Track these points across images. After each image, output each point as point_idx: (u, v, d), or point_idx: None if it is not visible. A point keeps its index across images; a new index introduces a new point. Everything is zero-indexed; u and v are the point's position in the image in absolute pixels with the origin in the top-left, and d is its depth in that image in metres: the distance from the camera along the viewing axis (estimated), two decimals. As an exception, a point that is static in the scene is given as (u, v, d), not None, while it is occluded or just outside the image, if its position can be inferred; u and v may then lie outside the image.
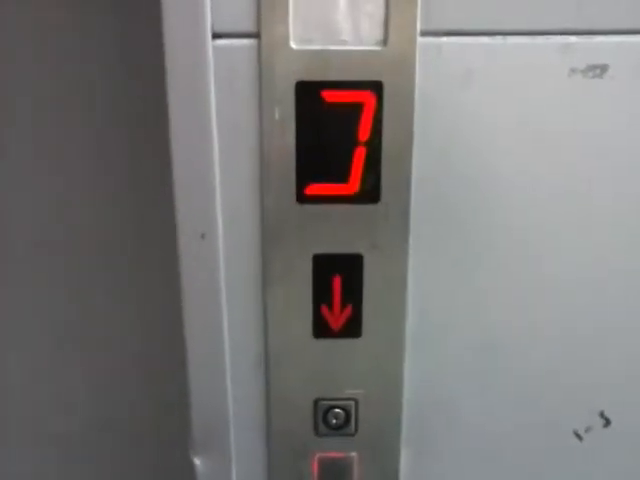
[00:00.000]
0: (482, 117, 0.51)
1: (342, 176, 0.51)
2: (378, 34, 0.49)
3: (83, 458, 0.97)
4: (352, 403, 0.57)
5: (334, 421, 0.58)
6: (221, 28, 0.49)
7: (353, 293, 0.54)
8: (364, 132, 0.50)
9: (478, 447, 0.60)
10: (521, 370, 0.58)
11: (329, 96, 0.50)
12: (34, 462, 0.97)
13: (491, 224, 0.54)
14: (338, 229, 0.53)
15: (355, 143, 0.51)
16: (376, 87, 0.50)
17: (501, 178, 0.53)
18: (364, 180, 0.51)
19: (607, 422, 0.59)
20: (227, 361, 0.56)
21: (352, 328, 0.55)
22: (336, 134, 0.51)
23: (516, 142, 0.52)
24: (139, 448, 0.95)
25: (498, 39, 0.49)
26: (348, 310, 0.55)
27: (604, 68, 0.50)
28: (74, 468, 0.97)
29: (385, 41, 0.49)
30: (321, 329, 0.55)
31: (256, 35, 0.49)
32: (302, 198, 0.52)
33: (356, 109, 0.50)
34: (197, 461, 0.59)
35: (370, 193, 0.52)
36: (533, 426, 0.59)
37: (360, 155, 0.51)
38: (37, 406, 0.94)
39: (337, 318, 0.55)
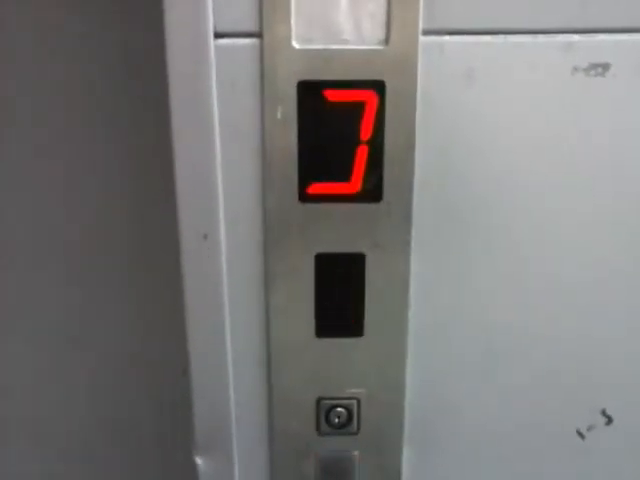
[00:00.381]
0: (484, 116, 0.51)
1: (344, 175, 0.51)
2: (380, 33, 0.49)
3: (83, 458, 0.96)
4: (354, 402, 0.57)
5: (336, 420, 0.58)
6: (223, 28, 0.49)
7: (355, 292, 0.54)
8: (366, 131, 0.50)
9: (480, 446, 0.60)
10: (523, 369, 0.58)
11: (331, 95, 0.50)
12: (34, 462, 0.97)
13: (493, 223, 0.54)
14: (340, 228, 0.53)
15: (357, 142, 0.51)
16: (378, 86, 0.50)
17: (503, 177, 0.53)
18: (366, 179, 0.51)
19: (609, 420, 0.59)
20: (229, 361, 0.56)
21: (354, 327, 0.55)
22: (338, 133, 0.51)
23: (518, 141, 0.52)
24: (140, 448, 0.95)
25: (500, 38, 0.49)
26: (350, 309, 0.55)
27: (606, 66, 0.50)
28: (74, 468, 0.97)
29: (387, 40, 0.49)
30: (323, 328, 0.55)
31: (258, 35, 0.49)
32: (304, 197, 0.52)
33: (358, 108, 0.50)
34: (199, 461, 0.59)
35: (372, 192, 0.52)
36: (535, 425, 0.59)
37: (362, 154, 0.51)
38: (37, 406, 0.94)
39: (339, 317, 0.55)
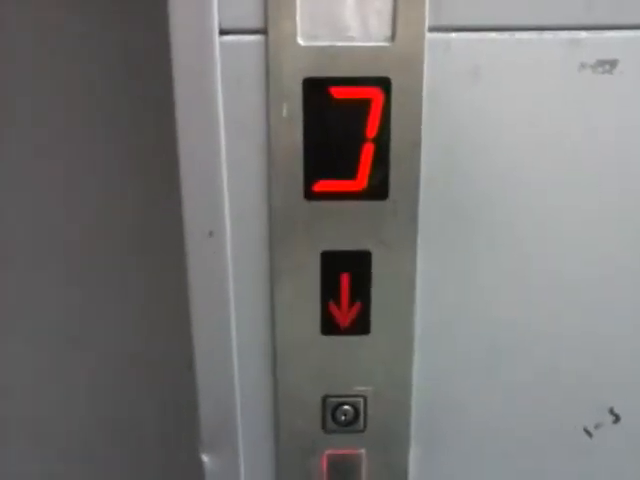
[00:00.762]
0: (490, 113, 0.51)
1: (350, 172, 0.51)
2: (386, 30, 0.49)
3: (83, 458, 0.96)
4: (361, 400, 0.57)
5: (343, 418, 0.57)
6: (228, 24, 0.49)
7: (361, 290, 0.54)
8: (372, 128, 0.50)
9: (487, 444, 0.60)
10: (529, 367, 0.57)
11: (337, 92, 0.50)
12: (34, 462, 0.97)
13: (498, 220, 0.54)
14: (346, 226, 0.53)
15: (363, 139, 0.51)
16: (384, 83, 0.50)
17: (509, 174, 0.52)
18: (372, 176, 0.51)
19: (617, 418, 0.59)
20: (235, 359, 0.56)
21: (360, 325, 0.55)
22: (344, 130, 0.50)
23: (524, 138, 0.52)
24: (141, 448, 0.95)
25: (506, 35, 0.49)
26: (356, 307, 0.54)
27: (613, 63, 0.50)
28: (74, 468, 0.97)
29: (393, 37, 0.49)
30: (329, 326, 0.55)
31: (263, 31, 0.49)
32: (310, 195, 0.52)
33: (364, 105, 0.50)
34: (205, 458, 0.58)
35: (378, 189, 0.52)
36: (542, 423, 0.59)
37: (368, 151, 0.51)
38: (37, 406, 0.94)
39: (345, 315, 0.55)
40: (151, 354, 0.90)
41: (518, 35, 0.49)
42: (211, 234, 0.53)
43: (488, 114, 0.51)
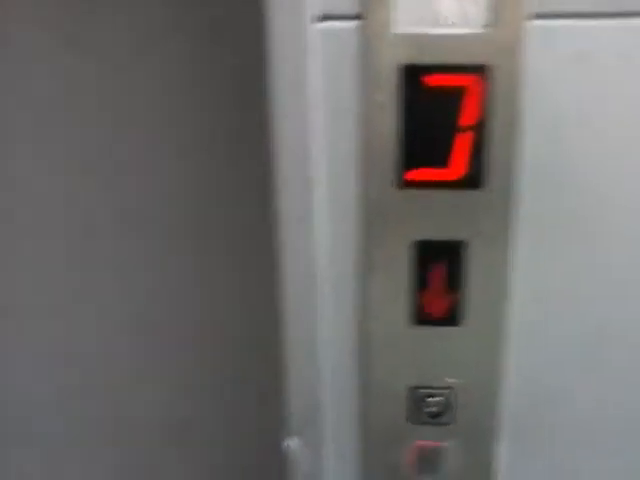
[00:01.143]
0: (594, 102, 0.50)
1: (444, 161, 0.50)
2: (485, 17, 0.48)
3: (161, 456, 0.97)
4: (449, 392, 0.56)
5: (430, 410, 0.57)
6: (325, 10, 0.49)
7: (454, 280, 0.53)
8: (468, 117, 0.49)
9: (578, 442, 0.58)
10: (629, 361, 0.56)
11: (432, 80, 0.49)
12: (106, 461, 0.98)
13: (601, 211, 0.52)
14: (440, 215, 0.52)
15: (458, 128, 0.50)
16: (482, 71, 0.49)
17: (613, 165, 0.51)
18: (467, 165, 0.50)
19: None
20: (324, 347, 0.56)
21: (452, 316, 0.54)
22: (439, 119, 0.50)
23: (629, 126, 0.50)
24: (212, 449, 0.96)
25: (612, 21, 0.48)
26: (448, 297, 0.54)
27: None
28: (144, 465, 0.98)
29: (492, 24, 0.48)
30: (420, 316, 0.54)
31: (361, 17, 0.49)
32: (403, 183, 0.51)
33: (460, 93, 0.49)
34: (290, 446, 0.58)
35: (473, 178, 0.51)
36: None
37: (463, 140, 0.50)
38: (123, 405, 0.95)
39: (437, 305, 0.54)
40: (241, 344, 0.90)
41: (624, 21, 0.48)
42: (303, 222, 0.52)
43: (592, 103, 0.50)
